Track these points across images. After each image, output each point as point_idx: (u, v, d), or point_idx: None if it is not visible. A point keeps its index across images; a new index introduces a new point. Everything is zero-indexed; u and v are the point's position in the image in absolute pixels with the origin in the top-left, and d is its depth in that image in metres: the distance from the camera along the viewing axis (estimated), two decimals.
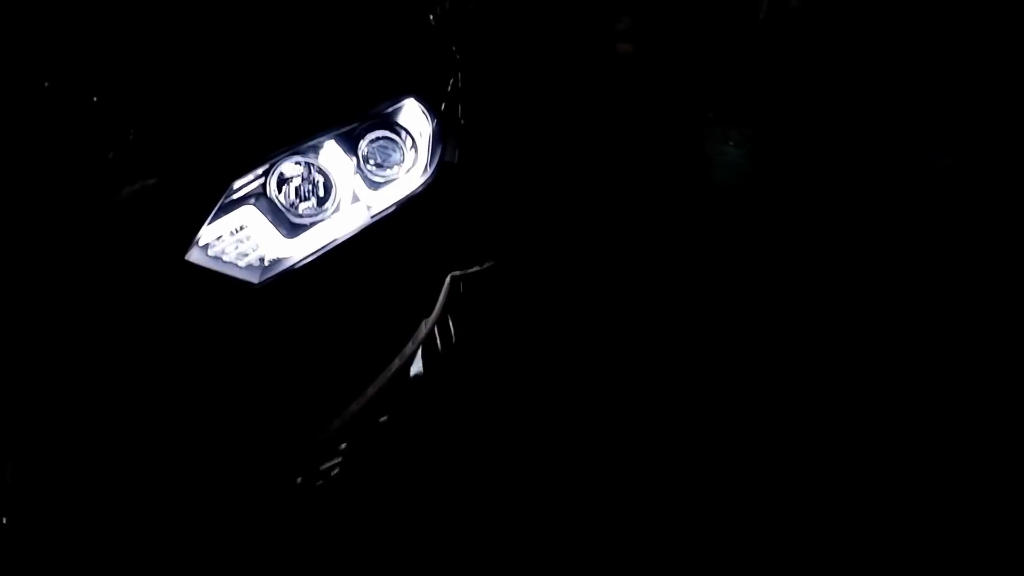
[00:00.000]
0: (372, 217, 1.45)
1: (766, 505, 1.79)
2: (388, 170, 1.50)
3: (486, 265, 1.59)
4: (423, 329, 1.44)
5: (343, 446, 1.49)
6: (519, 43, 3.77)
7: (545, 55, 4.05)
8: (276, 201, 1.39)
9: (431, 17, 2.04)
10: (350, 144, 1.47)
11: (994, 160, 3.36)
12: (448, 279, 1.49)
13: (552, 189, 2.90)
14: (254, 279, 1.33)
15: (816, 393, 2.10)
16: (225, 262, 1.32)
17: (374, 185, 1.48)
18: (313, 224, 1.41)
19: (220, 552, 1.43)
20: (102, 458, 1.28)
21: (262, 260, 1.35)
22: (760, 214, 3.07)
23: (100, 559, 1.28)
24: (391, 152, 1.51)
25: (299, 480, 1.47)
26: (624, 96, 4.24)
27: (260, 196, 1.38)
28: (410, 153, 1.52)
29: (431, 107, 1.61)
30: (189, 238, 1.28)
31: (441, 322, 1.46)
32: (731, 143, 3.96)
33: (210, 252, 1.31)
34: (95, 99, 1.43)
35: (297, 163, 1.42)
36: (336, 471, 1.53)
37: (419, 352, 1.44)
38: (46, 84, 1.46)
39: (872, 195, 3.18)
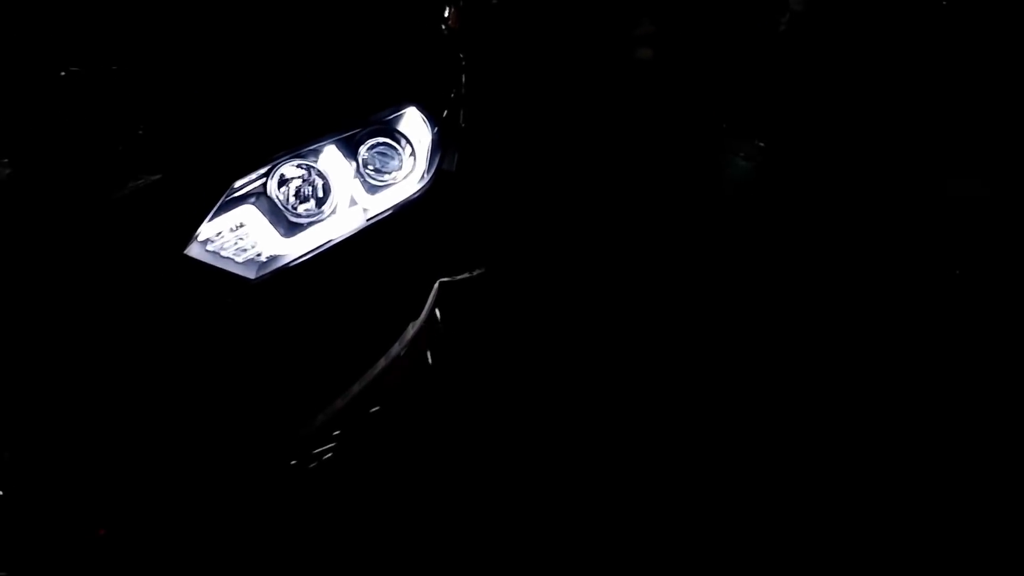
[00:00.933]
0: (368, 220, 1.50)
1: (762, 503, 1.84)
2: (386, 175, 1.56)
3: (476, 272, 1.64)
4: (410, 331, 1.50)
5: (336, 432, 1.55)
6: (532, 44, 3.81)
7: (559, 59, 4.09)
8: (276, 201, 1.44)
9: (441, 24, 2.10)
10: (350, 149, 1.53)
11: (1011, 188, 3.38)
12: (437, 284, 1.54)
13: (552, 196, 2.94)
14: (250, 274, 1.39)
15: (810, 396, 2.15)
16: (223, 257, 1.38)
17: (372, 189, 1.54)
18: (310, 224, 1.46)
19: (219, 532, 1.49)
20: (101, 440, 1.34)
21: (259, 257, 1.41)
22: (761, 226, 3.11)
23: (100, 539, 1.34)
24: (390, 158, 1.57)
25: (293, 462, 1.53)
26: (637, 101, 4.27)
27: (260, 195, 1.44)
28: (408, 160, 1.58)
29: (432, 115, 1.66)
30: (189, 233, 1.34)
31: (428, 325, 1.51)
32: (742, 155, 4.00)
33: (209, 247, 1.37)
34: (107, 93, 1.49)
35: (298, 165, 1.47)
36: (329, 455, 1.59)
37: (406, 352, 1.50)
38: (62, 74, 1.53)
39: (876, 213, 3.21)
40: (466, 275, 1.60)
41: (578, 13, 4.42)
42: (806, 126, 4.19)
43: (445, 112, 1.74)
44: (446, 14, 2.16)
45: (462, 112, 1.86)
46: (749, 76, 4.71)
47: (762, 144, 4.08)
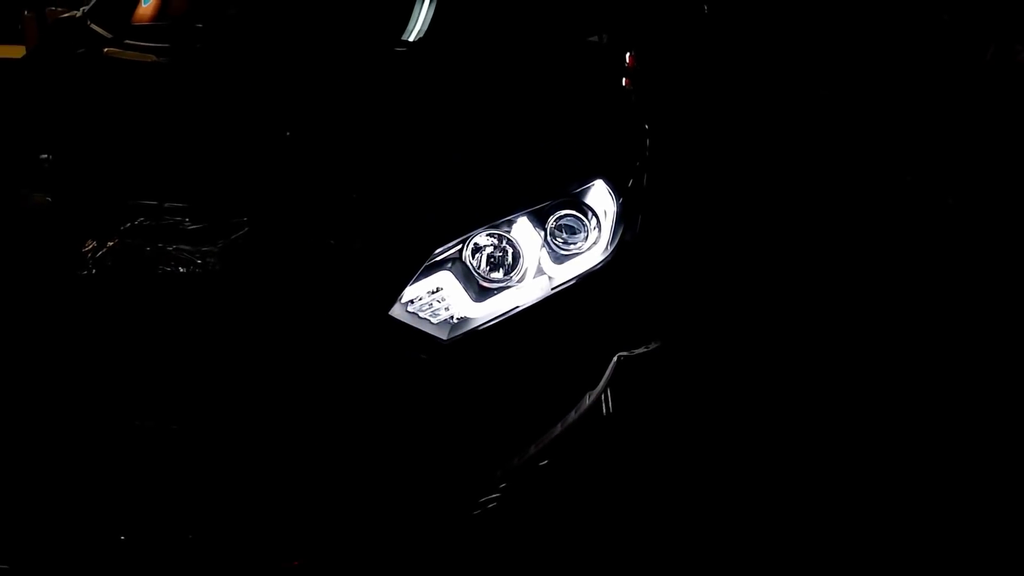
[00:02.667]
0: (553, 289, 1.58)
1: None
2: (572, 246, 1.63)
3: (652, 346, 1.68)
4: (587, 400, 1.55)
5: (503, 485, 1.62)
6: (716, 102, 3.78)
7: (743, 115, 4.04)
8: (470, 267, 1.56)
9: (625, 97, 2.17)
10: (540, 220, 1.62)
11: None
12: (615, 358, 1.59)
13: (735, 266, 2.92)
14: (443, 335, 1.50)
15: None
16: (420, 318, 1.50)
17: (558, 259, 1.62)
18: (500, 290, 1.56)
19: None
20: (303, 473, 1.47)
21: (452, 319, 1.52)
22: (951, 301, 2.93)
23: (293, 570, 1.47)
24: (577, 229, 1.64)
25: (459, 509, 1.62)
26: (818, 150, 4.13)
27: (456, 261, 1.55)
28: (593, 232, 1.65)
29: (618, 188, 1.73)
30: (395, 295, 1.48)
31: (604, 396, 1.56)
32: (925, 214, 3.77)
33: (409, 309, 1.49)
34: (328, 159, 1.68)
35: (491, 234, 1.58)
36: (493, 504, 1.66)
37: (582, 420, 1.55)
38: (287, 134, 1.74)
39: None
40: (643, 349, 1.64)
41: (767, 66, 4.36)
42: (1008, 187, 3.90)
43: (630, 182, 1.80)
44: (624, 83, 2.24)
45: (646, 179, 1.92)
46: (942, 122, 4.45)
47: (951, 202, 3.84)
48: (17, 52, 4.42)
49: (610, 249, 1.65)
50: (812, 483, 2.04)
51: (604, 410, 1.56)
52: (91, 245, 1.54)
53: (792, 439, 2.18)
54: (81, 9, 2.55)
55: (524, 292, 1.57)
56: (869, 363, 2.54)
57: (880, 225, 3.55)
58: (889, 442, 2.21)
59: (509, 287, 1.57)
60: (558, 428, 1.53)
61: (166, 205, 1.61)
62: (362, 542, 1.53)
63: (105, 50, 2.29)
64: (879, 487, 2.04)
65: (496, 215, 1.58)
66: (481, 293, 1.55)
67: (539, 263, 1.60)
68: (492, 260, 1.58)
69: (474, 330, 1.52)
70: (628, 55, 2.31)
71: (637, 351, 1.64)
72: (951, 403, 2.38)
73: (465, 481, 1.53)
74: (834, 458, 2.13)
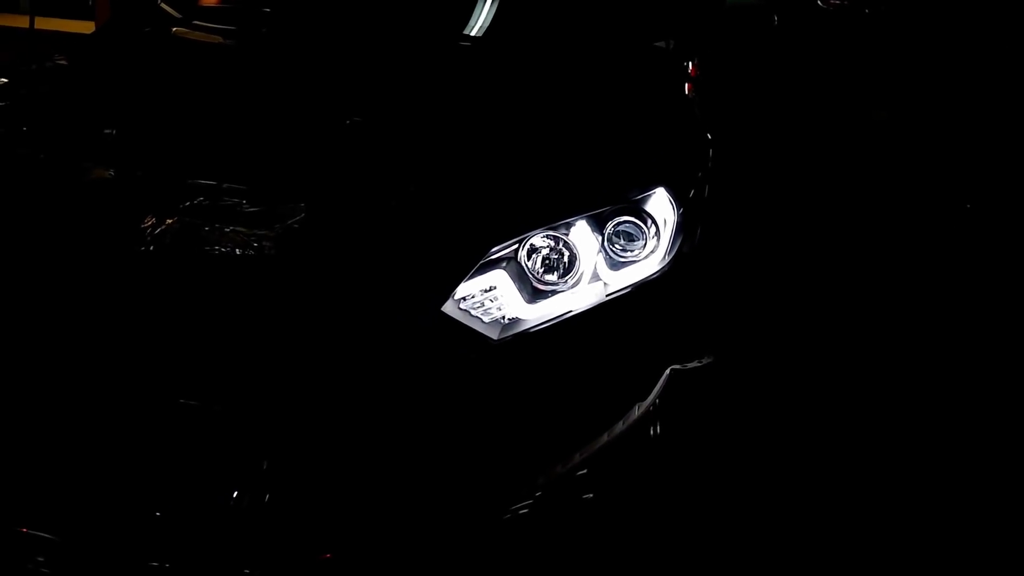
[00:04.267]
0: (607, 295, 1.55)
1: None
2: (629, 253, 1.60)
3: (705, 361, 1.64)
4: (636, 412, 1.52)
5: (538, 493, 1.59)
6: (781, 115, 3.72)
7: (808, 129, 3.96)
8: (524, 267, 1.53)
9: (690, 105, 2.13)
10: (598, 224, 1.59)
11: None
12: (668, 370, 1.56)
13: (794, 284, 2.87)
14: (493, 335, 1.47)
15: None
16: (472, 316, 1.48)
17: (614, 265, 1.58)
18: (553, 293, 1.53)
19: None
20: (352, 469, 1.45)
21: (503, 319, 1.50)
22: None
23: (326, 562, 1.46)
24: (635, 236, 1.61)
25: (491, 510, 1.59)
26: (876, 175, 4.04)
27: (511, 261, 1.53)
28: (652, 240, 1.61)
29: (679, 197, 1.69)
30: (449, 291, 1.46)
31: (653, 409, 1.53)
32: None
33: (462, 306, 1.48)
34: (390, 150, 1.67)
35: (548, 236, 1.56)
36: (525, 511, 1.63)
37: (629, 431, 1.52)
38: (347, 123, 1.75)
39: None
40: (697, 363, 1.61)
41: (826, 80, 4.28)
42: None
43: (691, 192, 1.77)
44: (688, 91, 2.20)
45: (707, 190, 1.87)
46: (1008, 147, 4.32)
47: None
48: (87, 28, 4.52)
49: (668, 259, 1.62)
50: (866, 508, 1.98)
51: (653, 423, 1.52)
52: (150, 221, 1.55)
53: (843, 462, 2.13)
54: None
55: (578, 297, 1.54)
56: (934, 384, 2.49)
57: (943, 241, 3.46)
58: (954, 461, 2.17)
59: (563, 291, 1.54)
60: (604, 438, 1.50)
61: (225, 186, 1.62)
62: (396, 539, 1.52)
63: (173, 30, 2.31)
64: (949, 511, 2.00)
65: (554, 217, 1.56)
66: (534, 295, 1.53)
67: (595, 268, 1.57)
68: (548, 262, 1.56)
69: (525, 332, 1.49)
70: (692, 63, 2.27)
71: (690, 365, 1.60)
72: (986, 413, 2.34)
73: (506, 484, 1.51)
74: (894, 482, 2.07)
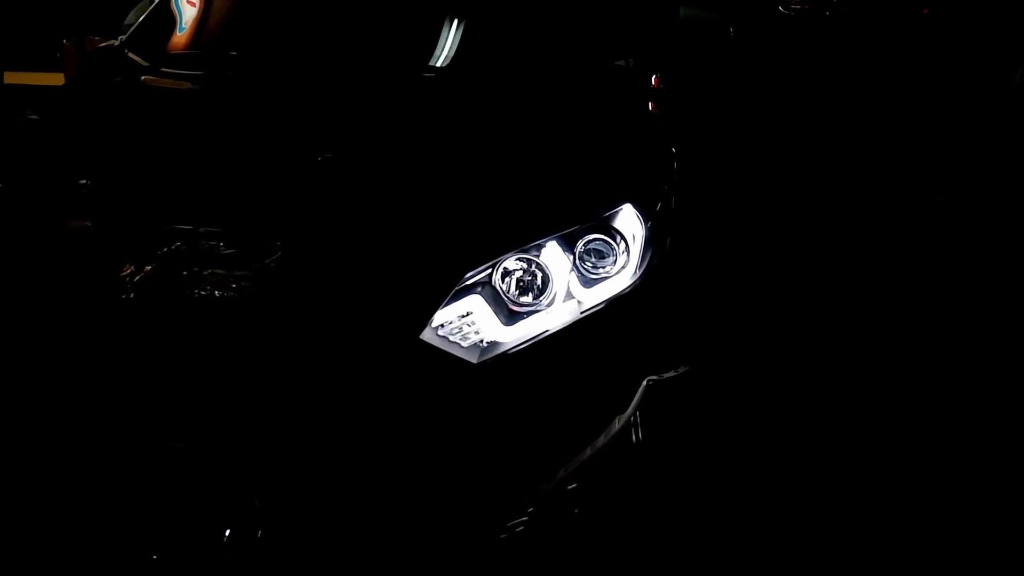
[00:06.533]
0: (582, 313, 1.59)
1: None
2: (601, 270, 1.64)
3: (681, 370, 1.68)
4: (616, 425, 1.55)
5: (531, 509, 1.62)
6: (743, 123, 3.78)
7: (772, 133, 4.03)
8: (499, 291, 1.57)
9: (652, 120, 2.18)
10: (569, 244, 1.63)
11: None
12: (645, 382, 1.59)
13: (764, 289, 2.91)
14: (473, 359, 1.51)
15: None
16: (451, 342, 1.51)
17: (587, 282, 1.62)
18: (529, 314, 1.57)
19: None
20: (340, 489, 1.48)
21: (481, 343, 1.53)
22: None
23: None
24: (605, 253, 1.65)
25: (486, 531, 1.62)
26: (847, 165, 4.10)
27: (486, 285, 1.57)
28: (622, 255, 1.66)
29: (646, 212, 1.74)
30: (425, 319, 1.49)
31: (633, 421, 1.56)
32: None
33: (440, 332, 1.51)
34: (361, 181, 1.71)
35: (520, 259, 1.60)
36: (520, 528, 1.66)
37: (611, 444, 1.56)
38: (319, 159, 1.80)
39: None
40: (672, 373, 1.65)
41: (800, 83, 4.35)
42: None
43: (658, 206, 1.81)
44: (650, 106, 2.26)
45: (674, 202, 1.92)
46: (975, 142, 4.40)
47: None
48: (57, 80, 4.54)
49: (639, 273, 1.66)
50: (845, 510, 2.01)
51: (633, 434, 1.56)
52: (129, 269, 1.58)
53: (821, 461, 2.16)
54: (119, 38, 2.61)
55: (553, 316, 1.57)
56: (908, 388, 2.52)
57: (910, 242, 3.52)
58: (929, 461, 2.19)
59: (538, 311, 1.58)
60: (587, 452, 1.53)
61: (201, 230, 1.65)
62: (389, 562, 1.54)
63: (142, 78, 2.34)
64: (922, 513, 2.02)
65: (525, 239, 1.60)
66: (511, 317, 1.57)
67: (568, 287, 1.61)
68: (521, 284, 1.59)
69: (504, 354, 1.53)
70: (654, 78, 2.33)
71: (666, 375, 1.64)
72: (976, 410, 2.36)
73: (494, 504, 1.54)
74: (869, 485, 2.10)
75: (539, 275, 1.60)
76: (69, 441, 1.43)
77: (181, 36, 2.56)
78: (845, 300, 2.99)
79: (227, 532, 1.36)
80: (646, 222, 1.72)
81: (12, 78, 4.64)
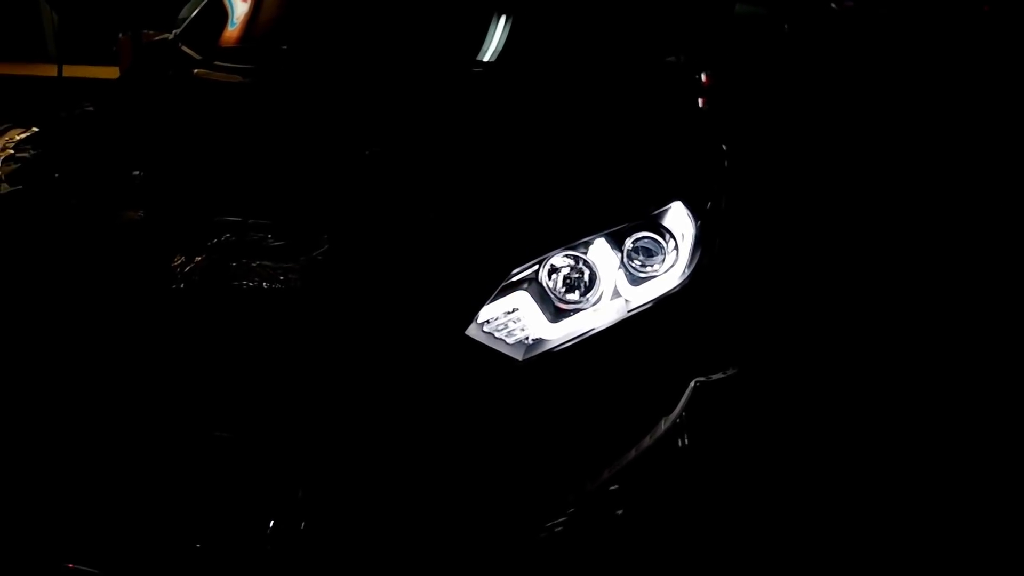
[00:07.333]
0: (629, 312, 1.56)
1: None
2: (649, 268, 1.61)
3: (729, 372, 1.64)
4: (663, 426, 1.52)
5: (571, 509, 1.60)
6: (797, 121, 3.71)
7: (821, 134, 3.95)
8: (546, 288, 1.55)
9: (703, 118, 2.14)
10: (617, 242, 1.61)
11: None
12: (692, 383, 1.56)
13: (814, 291, 2.85)
14: (518, 356, 1.49)
15: None
16: (496, 338, 1.50)
17: (635, 281, 1.60)
18: (576, 312, 1.55)
19: None
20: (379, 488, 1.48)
21: (527, 339, 1.52)
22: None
23: None
24: (654, 252, 1.62)
25: (525, 529, 1.60)
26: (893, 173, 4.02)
27: (532, 282, 1.55)
28: (671, 254, 1.62)
29: (696, 210, 1.70)
30: (472, 315, 1.48)
31: (680, 422, 1.53)
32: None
33: (485, 328, 1.50)
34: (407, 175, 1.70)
35: (567, 256, 1.58)
36: (559, 529, 1.64)
37: (657, 446, 1.53)
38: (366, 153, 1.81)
39: None
40: (721, 375, 1.61)
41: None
42: None
43: (708, 205, 1.78)
44: (702, 103, 2.21)
45: (724, 202, 1.88)
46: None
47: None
48: (113, 73, 4.65)
49: (687, 272, 1.63)
50: (896, 518, 1.96)
51: (680, 437, 1.53)
52: (180, 260, 1.59)
53: (872, 469, 2.11)
54: (173, 32, 2.65)
55: (600, 314, 1.55)
56: (961, 388, 2.46)
57: (971, 241, 3.42)
58: (988, 467, 2.14)
59: (585, 309, 1.55)
60: (632, 453, 1.51)
61: (251, 222, 1.66)
62: (430, 561, 1.53)
63: (194, 71, 2.37)
64: (988, 521, 1.98)
65: (573, 237, 1.58)
66: (557, 314, 1.55)
67: (615, 285, 1.59)
68: (568, 281, 1.57)
69: (549, 351, 1.51)
70: (704, 75, 2.29)
71: (715, 377, 1.61)
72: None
73: (535, 503, 1.52)
74: (927, 493, 2.04)
75: (586, 272, 1.58)
76: (117, 429, 1.44)
77: (233, 30, 2.59)
78: (900, 304, 2.92)
79: (271, 523, 1.36)
80: (696, 221, 1.69)
81: (71, 71, 4.75)
